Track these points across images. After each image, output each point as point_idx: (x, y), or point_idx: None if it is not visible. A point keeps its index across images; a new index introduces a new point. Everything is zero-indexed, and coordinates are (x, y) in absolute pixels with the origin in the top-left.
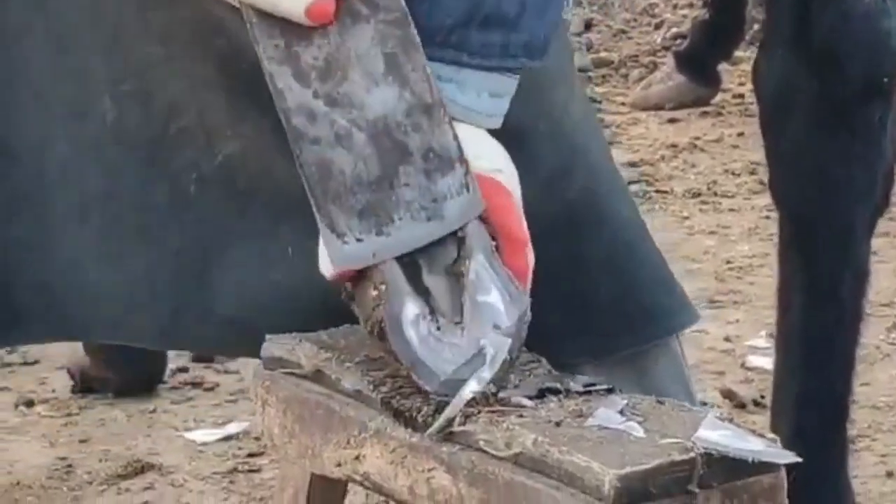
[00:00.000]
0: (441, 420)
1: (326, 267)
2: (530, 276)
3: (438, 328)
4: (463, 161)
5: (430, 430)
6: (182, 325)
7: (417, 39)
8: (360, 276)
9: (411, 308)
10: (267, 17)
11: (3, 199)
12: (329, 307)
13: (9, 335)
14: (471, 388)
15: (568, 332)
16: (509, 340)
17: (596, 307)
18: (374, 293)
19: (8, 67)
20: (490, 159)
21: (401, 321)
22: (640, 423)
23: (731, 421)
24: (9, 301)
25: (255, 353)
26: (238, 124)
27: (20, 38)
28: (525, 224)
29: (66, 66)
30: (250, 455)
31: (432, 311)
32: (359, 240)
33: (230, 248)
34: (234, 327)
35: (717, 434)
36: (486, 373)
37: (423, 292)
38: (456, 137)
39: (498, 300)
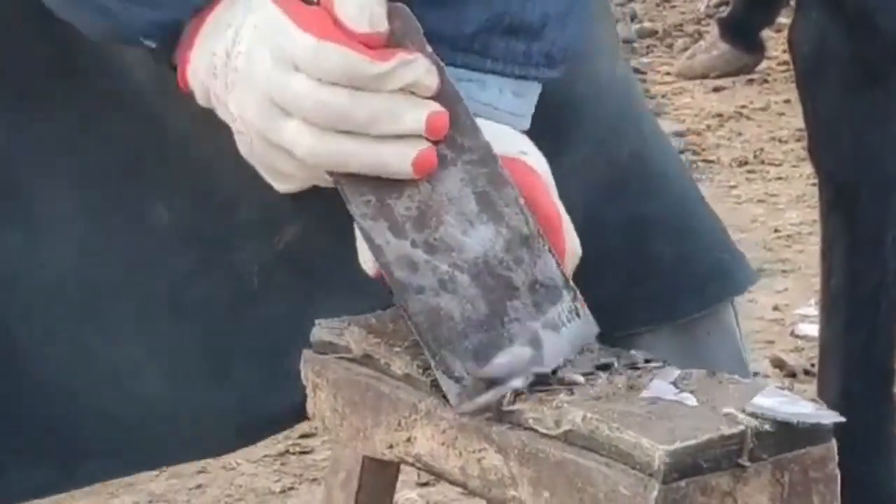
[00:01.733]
0: (477, 402)
1: (368, 265)
2: (569, 254)
3: None
4: (570, 287)
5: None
6: (262, 420)
7: (506, 174)
8: None
9: None
10: (356, 175)
11: (50, 322)
12: None
13: (69, 476)
14: (516, 383)
15: (631, 298)
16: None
17: (657, 270)
18: None
19: (50, 186)
20: (512, 143)
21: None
22: (692, 394)
23: (790, 390)
24: (66, 435)
25: None
26: (302, 203)
27: (62, 156)
28: (558, 201)
29: (117, 178)
30: (302, 436)
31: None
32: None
33: (301, 331)
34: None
35: (771, 400)
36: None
37: None
38: (559, 265)
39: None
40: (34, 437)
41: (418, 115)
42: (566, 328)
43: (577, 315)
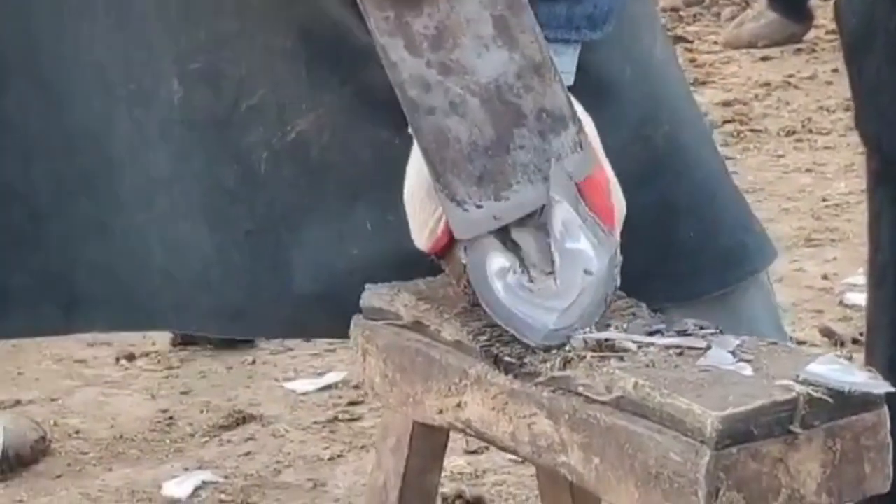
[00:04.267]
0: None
1: (421, 241)
2: (618, 215)
3: (531, 280)
4: (575, 119)
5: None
6: (257, 307)
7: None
8: (450, 242)
9: (496, 260)
10: None
11: (66, 183)
12: (410, 279)
13: (71, 321)
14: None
15: (655, 277)
16: (602, 286)
17: (682, 251)
18: (464, 256)
19: (68, 48)
20: None
21: (485, 272)
22: (748, 363)
23: (849, 359)
24: (70, 285)
25: (333, 332)
26: (317, 94)
27: (81, 18)
28: (607, 164)
29: (131, 48)
30: (350, 404)
31: (523, 264)
32: (479, 206)
33: (304, 226)
34: (312, 306)
35: (825, 368)
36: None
37: (512, 247)
38: (567, 96)
39: (587, 246)
40: (39, 280)
41: None
42: (568, 159)
43: (580, 147)
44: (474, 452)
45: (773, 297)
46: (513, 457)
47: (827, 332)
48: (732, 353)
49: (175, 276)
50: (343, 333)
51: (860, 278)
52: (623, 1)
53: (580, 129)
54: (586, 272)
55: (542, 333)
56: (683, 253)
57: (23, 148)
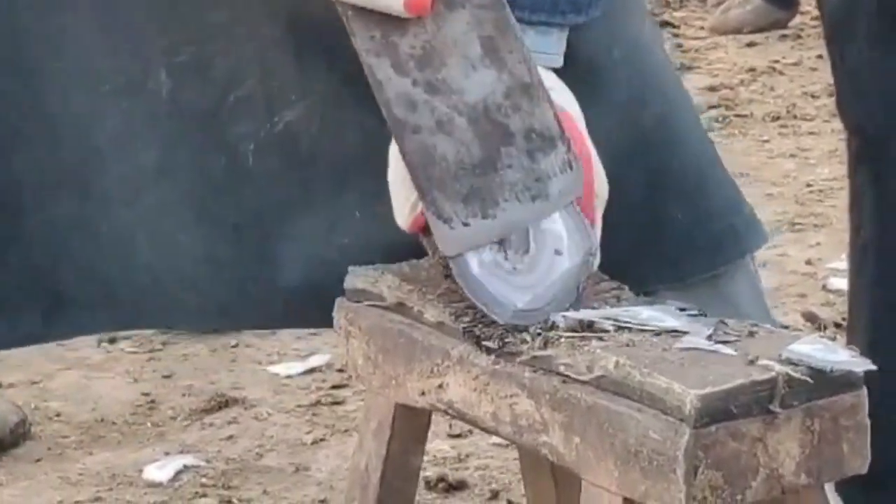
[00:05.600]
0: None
1: (402, 218)
2: (599, 196)
3: (506, 258)
4: (564, 139)
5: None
6: (245, 302)
7: (513, 21)
8: None
9: None
10: (363, 9)
11: (49, 178)
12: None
13: (53, 324)
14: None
15: (644, 259)
16: (575, 272)
17: (671, 232)
18: None
19: (52, 40)
20: (551, 88)
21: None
22: (729, 344)
23: (833, 339)
24: (53, 285)
25: (323, 322)
26: (306, 83)
27: (65, 10)
28: (587, 137)
29: (117, 40)
30: (333, 387)
31: (500, 242)
32: (465, 224)
33: (293, 219)
34: (302, 298)
35: (809, 347)
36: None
37: None
38: (556, 116)
39: (561, 227)
40: (19, 287)
41: None
42: (557, 179)
43: (570, 167)
44: (457, 436)
45: (760, 282)
46: (496, 441)
47: (810, 317)
48: (713, 333)
49: (161, 273)
50: (332, 324)
51: (843, 263)
52: None
53: (569, 149)
54: (556, 252)
55: (511, 312)
56: (672, 234)
57: (4, 140)
